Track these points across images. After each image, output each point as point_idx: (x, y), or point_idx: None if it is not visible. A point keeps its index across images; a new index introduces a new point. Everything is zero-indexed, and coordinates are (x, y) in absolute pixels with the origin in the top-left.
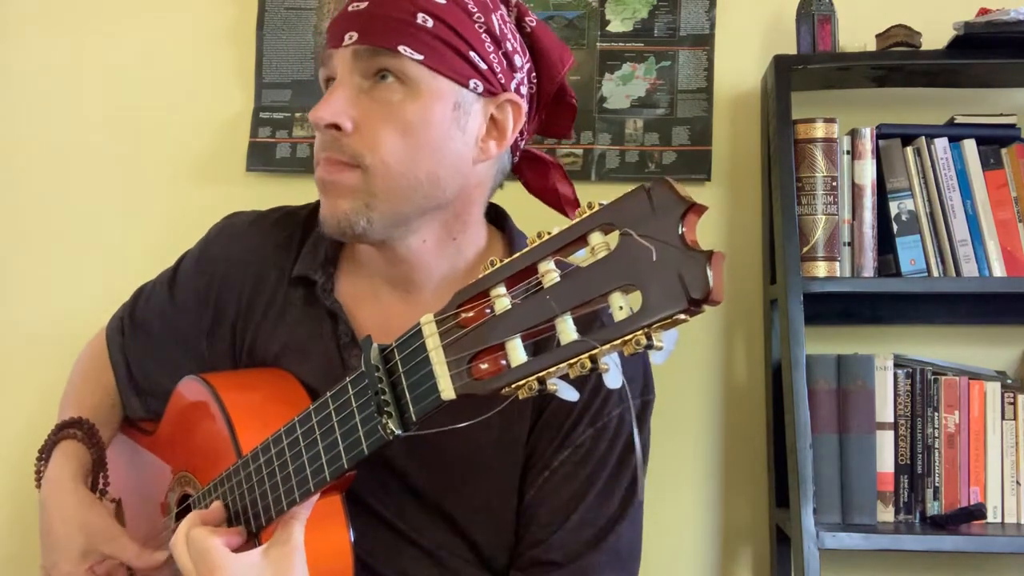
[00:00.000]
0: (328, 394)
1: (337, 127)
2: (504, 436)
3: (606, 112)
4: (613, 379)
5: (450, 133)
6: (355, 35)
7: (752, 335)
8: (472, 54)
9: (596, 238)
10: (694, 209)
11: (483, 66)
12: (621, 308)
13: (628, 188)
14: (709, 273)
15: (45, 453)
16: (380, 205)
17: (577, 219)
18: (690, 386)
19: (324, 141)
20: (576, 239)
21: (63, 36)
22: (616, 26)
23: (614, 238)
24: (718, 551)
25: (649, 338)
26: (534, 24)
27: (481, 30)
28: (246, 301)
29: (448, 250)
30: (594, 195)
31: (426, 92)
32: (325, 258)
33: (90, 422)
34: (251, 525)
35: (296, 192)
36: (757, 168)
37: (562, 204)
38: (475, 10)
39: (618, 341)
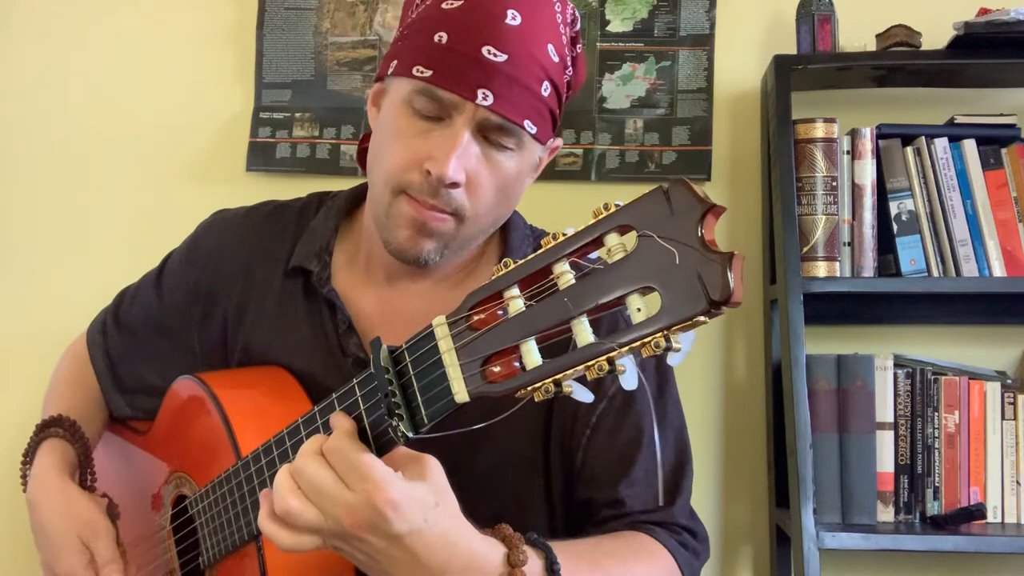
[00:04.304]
0: (334, 395)
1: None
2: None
3: (606, 112)
4: (629, 380)
5: (525, 182)
6: (490, 97)
7: (752, 335)
8: (557, 113)
9: (613, 239)
10: (713, 211)
11: (556, 121)
12: (639, 310)
13: (628, 188)
14: (729, 275)
15: (29, 455)
16: (455, 245)
17: (594, 220)
18: (690, 386)
19: (428, 187)
20: (592, 240)
21: (63, 36)
22: (616, 26)
23: (631, 239)
24: (718, 551)
25: (668, 340)
26: (580, 50)
27: (565, 85)
28: (239, 293)
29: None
30: (594, 196)
31: (526, 155)
32: (321, 248)
33: (71, 419)
34: (252, 527)
35: (296, 192)
36: (757, 168)
37: None
38: (569, 65)
39: (637, 343)
